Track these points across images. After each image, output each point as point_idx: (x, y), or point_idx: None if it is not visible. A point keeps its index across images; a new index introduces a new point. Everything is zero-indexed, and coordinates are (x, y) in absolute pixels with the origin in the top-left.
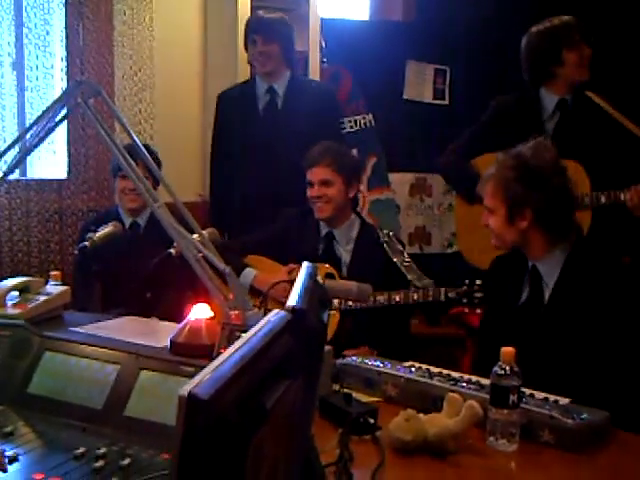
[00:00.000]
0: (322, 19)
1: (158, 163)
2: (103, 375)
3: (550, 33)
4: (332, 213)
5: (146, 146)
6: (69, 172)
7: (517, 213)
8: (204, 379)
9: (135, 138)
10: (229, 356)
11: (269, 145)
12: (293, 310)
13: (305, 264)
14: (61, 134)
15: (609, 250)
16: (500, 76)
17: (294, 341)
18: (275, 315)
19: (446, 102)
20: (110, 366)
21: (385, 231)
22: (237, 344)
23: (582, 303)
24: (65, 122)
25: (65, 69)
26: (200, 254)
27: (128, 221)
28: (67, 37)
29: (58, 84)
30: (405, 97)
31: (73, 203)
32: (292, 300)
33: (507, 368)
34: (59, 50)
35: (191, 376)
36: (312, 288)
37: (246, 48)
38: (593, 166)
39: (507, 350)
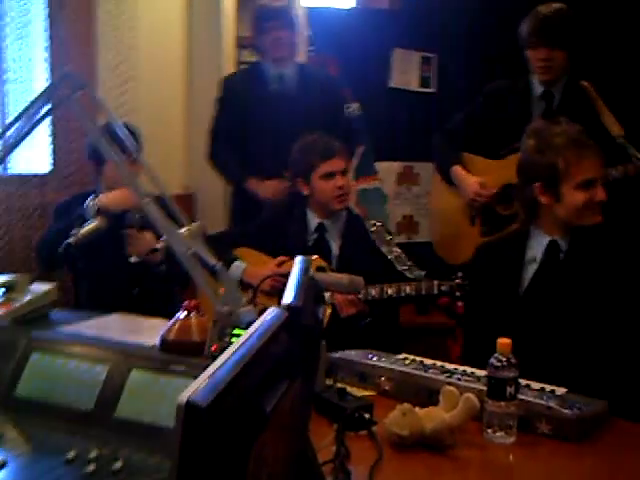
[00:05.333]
0: (308, 8)
1: (139, 143)
2: (92, 375)
3: (523, 26)
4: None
5: (126, 125)
6: (53, 166)
7: None
8: (202, 385)
9: (120, 127)
10: (226, 359)
11: (279, 129)
12: (289, 308)
13: (298, 258)
14: (42, 127)
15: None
16: (487, 63)
17: (291, 340)
18: (271, 314)
19: (433, 90)
20: (99, 366)
21: (372, 221)
22: (234, 346)
23: (592, 277)
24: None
25: (49, 60)
26: (190, 250)
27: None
28: (50, 27)
29: (41, 75)
30: (391, 85)
31: (57, 198)
32: (288, 297)
33: (504, 359)
34: (41, 41)
35: (183, 375)
36: (307, 284)
37: (254, 36)
38: None
39: (504, 341)
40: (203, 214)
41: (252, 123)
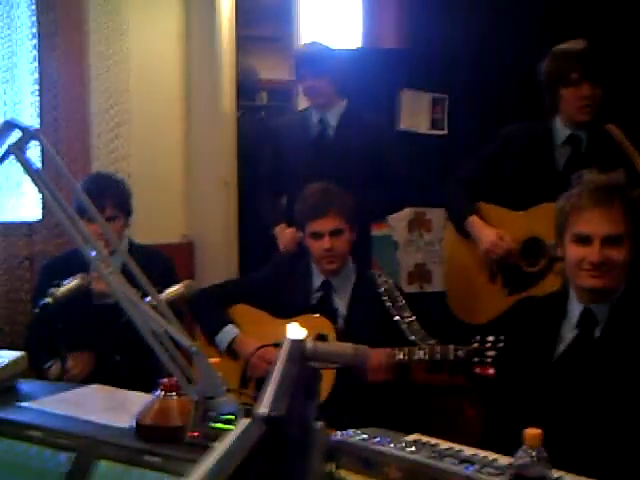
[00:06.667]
0: None
1: (126, 192)
2: (55, 465)
3: (551, 64)
4: (342, 264)
5: (108, 177)
6: (43, 214)
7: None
8: None
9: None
10: None
11: (315, 175)
12: (268, 419)
13: (286, 340)
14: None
15: None
16: (501, 104)
17: (272, 460)
18: (242, 429)
19: (444, 132)
20: (63, 454)
21: (384, 278)
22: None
23: (632, 358)
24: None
25: (38, 104)
26: (161, 327)
27: None
28: (39, 69)
29: (30, 120)
30: (400, 128)
31: (46, 248)
32: (266, 402)
33: (533, 454)
34: (29, 84)
35: (157, 468)
36: (294, 377)
37: (297, 80)
38: None
39: (532, 432)
40: (202, 263)
41: (291, 169)
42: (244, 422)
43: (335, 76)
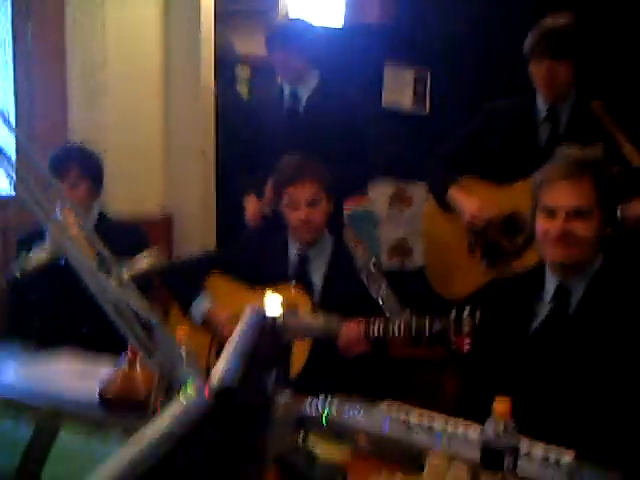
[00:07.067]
0: None
1: (93, 161)
2: (15, 435)
3: (527, 39)
4: (317, 235)
5: (80, 149)
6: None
7: (612, 217)
8: None
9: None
10: None
11: (292, 148)
12: (218, 392)
13: (245, 311)
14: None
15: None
16: (485, 79)
17: (221, 431)
18: (191, 403)
19: (427, 108)
20: (24, 425)
21: (361, 251)
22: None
23: (610, 323)
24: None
25: (12, 76)
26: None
27: None
28: (14, 40)
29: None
30: (383, 104)
31: (21, 220)
32: (218, 375)
33: (502, 426)
34: (2, 55)
35: (119, 438)
36: (255, 348)
37: (268, 54)
38: None
39: (501, 405)
40: (180, 234)
41: (266, 142)
42: (191, 397)
43: (305, 50)
